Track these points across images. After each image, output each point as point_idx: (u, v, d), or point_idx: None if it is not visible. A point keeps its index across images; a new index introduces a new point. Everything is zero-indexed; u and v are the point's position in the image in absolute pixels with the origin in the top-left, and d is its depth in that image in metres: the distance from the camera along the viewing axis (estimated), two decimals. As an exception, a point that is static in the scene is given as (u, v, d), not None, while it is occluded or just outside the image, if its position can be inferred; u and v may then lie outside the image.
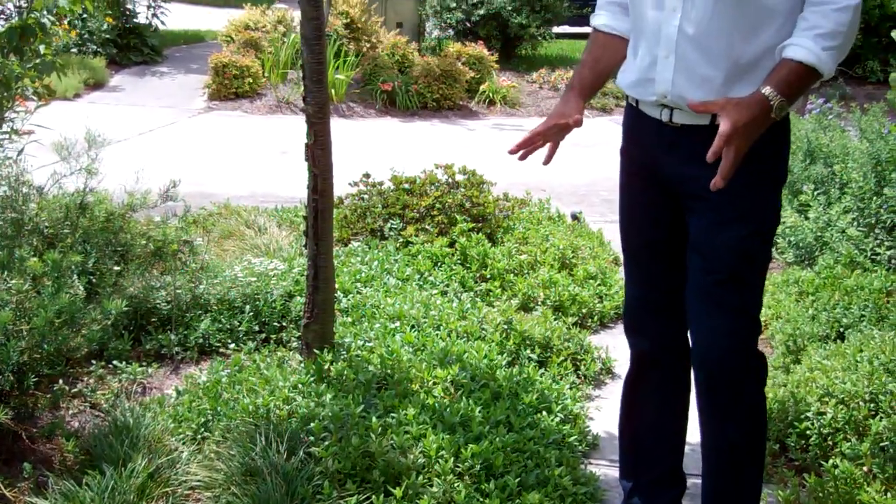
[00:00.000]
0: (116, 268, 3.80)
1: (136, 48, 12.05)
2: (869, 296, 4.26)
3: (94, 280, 3.68)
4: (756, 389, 2.47)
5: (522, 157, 2.55)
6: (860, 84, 12.44)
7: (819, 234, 5.10)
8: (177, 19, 13.34)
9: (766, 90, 2.11)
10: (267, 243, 4.88)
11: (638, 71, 2.40)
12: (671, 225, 2.50)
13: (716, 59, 2.22)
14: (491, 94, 11.12)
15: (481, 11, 12.59)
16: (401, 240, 5.01)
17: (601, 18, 2.60)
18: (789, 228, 5.23)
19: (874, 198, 4.97)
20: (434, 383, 3.28)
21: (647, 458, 2.76)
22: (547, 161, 2.56)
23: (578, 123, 2.51)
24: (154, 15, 12.41)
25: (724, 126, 2.08)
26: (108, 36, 11.29)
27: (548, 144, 2.53)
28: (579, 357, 3.92)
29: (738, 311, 2.38)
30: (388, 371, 3.35)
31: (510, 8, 12.62)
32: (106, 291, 3.66)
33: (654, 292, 2.63)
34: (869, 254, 4.92)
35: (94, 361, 3.47)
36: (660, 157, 2.42)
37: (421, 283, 4.52)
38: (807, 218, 5.29)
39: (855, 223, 5.05)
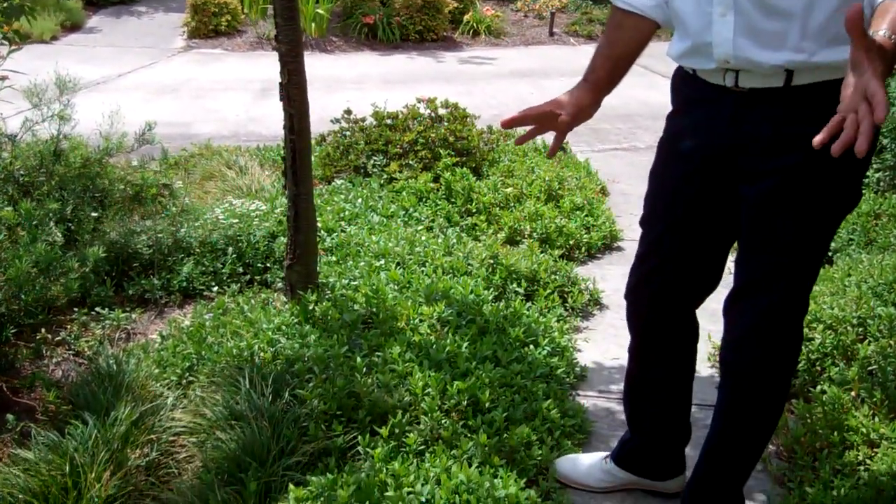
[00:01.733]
0: (94, 214, 3.74)
1: (112, -13, 11.85)
2: (857, 219, 4.24)
3: (72, 227, 3.63)
4: (789, 372, 2.20)
5: (518, 142, 2.31)
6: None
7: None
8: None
9: (883, 30, 1.57)
10: (249, 184, 4.82)
11: (691, 36, 2.01)
12: (716, 220, 2.17)
13: (782, 9, 1.82)
14: (475, 25, 10.94)
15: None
16: (385, 176, 4.94)
17: None
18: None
19: (862, 119, 4.92)
20: (420, 320, 3.25)
21: (650, 415, 2.55)
22: (550, 154, 2.22)
23: (564, 126, 2.19)
24: (129, -48, 12.17)
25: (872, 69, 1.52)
26: (82, -25, 11.07)
27: (555, 132, 2.23)
28: (566, 289, 3.89)
29: (788, 297, 2.07)
30: (374, 310, 3.32)
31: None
32: (85, 238, 3.61)
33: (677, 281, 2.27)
34: (857, 176, 4.88)
35: (76, 309, 3.43)
36: (719, 131, 2.04)
37: (406, 219, 4.47)
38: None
39: (843, 145, 5.00)
